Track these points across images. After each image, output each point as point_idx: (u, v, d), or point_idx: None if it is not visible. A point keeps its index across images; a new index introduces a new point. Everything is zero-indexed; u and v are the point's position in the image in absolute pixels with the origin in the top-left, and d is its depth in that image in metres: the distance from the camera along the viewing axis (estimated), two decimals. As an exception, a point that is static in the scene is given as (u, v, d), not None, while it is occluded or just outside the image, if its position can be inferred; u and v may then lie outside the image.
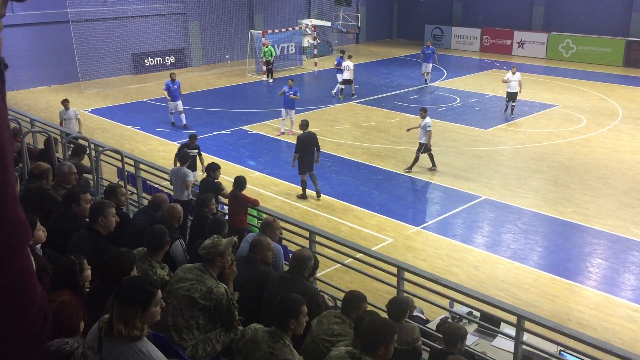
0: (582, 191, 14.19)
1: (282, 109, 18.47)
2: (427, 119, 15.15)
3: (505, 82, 20.30)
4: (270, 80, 26.45)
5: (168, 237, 5.47)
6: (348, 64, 22.88)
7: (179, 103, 19.01)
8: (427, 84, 25.26)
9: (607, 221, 12.56)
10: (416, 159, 15.38)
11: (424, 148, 15.26)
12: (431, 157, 15.49)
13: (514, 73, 20.11)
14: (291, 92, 18.02)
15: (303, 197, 13.93)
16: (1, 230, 1.03)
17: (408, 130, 16.68)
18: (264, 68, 27.12)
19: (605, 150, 17.00)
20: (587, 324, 9.04)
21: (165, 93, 18.94)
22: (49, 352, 2.16)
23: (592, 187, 14.45)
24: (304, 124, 13.97)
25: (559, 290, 10.07)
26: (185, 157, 10.22)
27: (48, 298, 2.80)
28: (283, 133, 18.55)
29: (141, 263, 5.14)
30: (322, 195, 13.86)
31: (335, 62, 23.92)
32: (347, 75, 22.99)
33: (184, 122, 19.27)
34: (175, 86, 18.77)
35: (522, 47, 32.48)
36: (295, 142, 13.73)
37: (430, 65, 24.94)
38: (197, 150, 13.35)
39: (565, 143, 17.73)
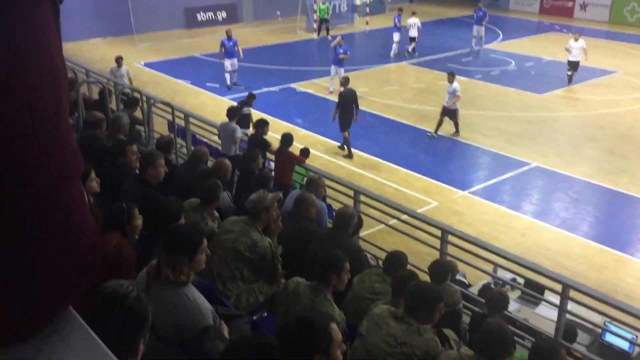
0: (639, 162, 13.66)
1: (332, 67, 18.23)
2: (455, 84, 14.76)
3: (567, 50, 19.16)
4: (329, 37, 25.41)
5: (221, 191, 5.59)
6: (415, 20, 22.81)
7: (234, 61, 18.66)
8: (477, 47, 24.19)
9: (664, 194, 12.10)
10: (440, 122, 15.05)
11: (452, 113, 14.94)
12: (456, 123, 15.08)
13: (576, 40, 19.01)
14: (341, 51, 17.76)
15: (349, 156, 13.90)
16: (55, 159, 1.06)
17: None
18: (315, 26, 26.76)
19: (667, 120, 16.25)
20: (636, 297, 8.80)
21: (220, 51, 18.55)
22: (104, 293, 2.24)
23: (650, 158, 13.89)
24: (346, 81, 14.07)
25: (607, 262, 9.83)
26: (233, 113, 10.28)
27: (101, 240, 2.90)
28: (332, 92, 18.40)
29: (193, 214, 5.27)
30: (365, 155, 13.79)
31: (396, 20, 23.28)
32: (413, 32, 22.92)
33: (235, 81, 18.91)
34: (232, 43, 18.38)
35: (585, 10, 31.02)
36: (339, 99, 13.89)
37: (483, 28, 23.88)
38: (251, 109, 13.28)
39: (625, 111, 17.01)
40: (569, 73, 19.33)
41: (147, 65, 22.10)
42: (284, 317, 4.11)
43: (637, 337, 5.69)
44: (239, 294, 4.65)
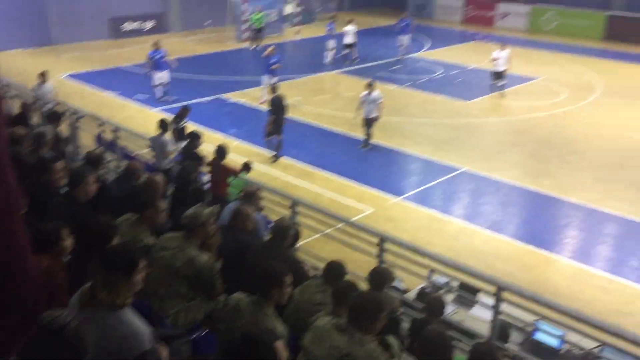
0: (560, 164, 14.35)
1: (264, 77, 18.16)
2: (376, 92, 14.78)
3: (494, 60, 19.34)
4: (259, 46, 25.49)
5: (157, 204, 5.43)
6: (351, 28, 23.40)
7: (165, 74, 17.95)
8: (404, 56, 24.74)
9: (584, 194, 12.75)
10: (370, 135, 15.01)
11: (370, 123, 14.83)
12: (370, 134, 14.99)
13: (502, 49, 19.29)
14: (273, 60, 17.76)
15: (275, 158, 14.17)
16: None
17: (355, 118, 15.54)
18: (243, 36, 26.61)
19: (584, 124, 17.17)
20: (563, 294, 9.22)
21: (149, 63, 17.92)
22: (43, 324, 2.12)
23: (570, 160, 14.62)
24: (275, 87, 14.43)
25: (535, 261, 10.25)
26: (164, 125, 10.07)
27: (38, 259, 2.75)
28: (265, 101, 18.30)
29: (129, 231, 5.10)
30: (300, 164, 13.84)
31: (327, 28, 23.78)
32: (349, 39, 23.48)
33: (168, 94, 18.22)
34: (159, 55, 17.72)
35: (505, 19, 32.42)
36: (269, 106, 14.13)
37: (407, 37, 24.42)
38: (185, 122, 13.00)
39: (546, 116, 17.85)
40: (498, 83, 19.51)
41: (71, 77, 21.33)
42: (225, 335, 4.04)
43: (566, 333, 5.94)
44: (177, 312, 4.54)
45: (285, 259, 4.97)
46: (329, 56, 23.86)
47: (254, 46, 25.94)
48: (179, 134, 11.65)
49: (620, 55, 26.23)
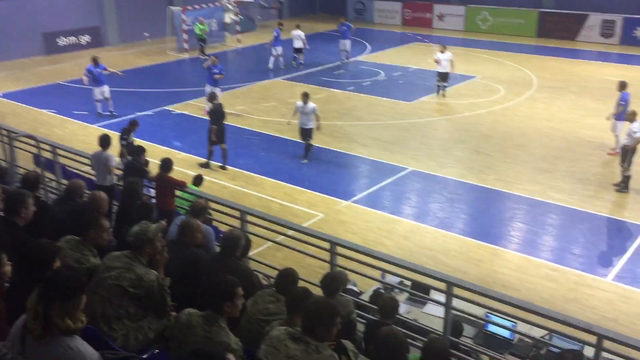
0: (503, 159, 14.77)
1: (207, 87, 17.98)
2: (311, 103, 14.43)
3: (436, 62, 19.84)
4: (204, 56, 25.19)
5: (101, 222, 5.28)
6: (299, 33, 24.07)
7: (105, 88, 17.69)
8: (346, 60, 25.06)
9: (526, 186, 13.16)
10: (309, 147, 14.69)
11: (308, 133, 14.52)
12: (309, 146, 14.68)
13: (442, 52, 19.74)
14: (216, 71, 17.60)
15: (206, 165, 14.20)
16: None
17: (289, 123, 15.42)
18: (185, 46, 26.31)
19: (522, 119, 17.74)
20: (511, 286, 9.48)
21: (85, 79, 17.57)
22: None
23: (511, 154, 15.06)
24: (212, 96, 14.78)
25: (483, 255, 10.50)
26: (106, 141, 9.80)
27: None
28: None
29: (72, 252, 4.94)
30: (248, 173, 13.77)
31: (275, 34, 24.11)
32: (298, 44, 24.16)
33: (111, 109, 17.95)
34: (99, 69, 17.40)
35: (442, 20, 33.18)
36: (210, 115, 14.29)
37: (348, 42, 24.76)
38: (133, 136, 12.70)
39: (486, 113, 18.35)
40: (439, 84, 20.00)
41: (4, 96, 20.56)
42: (178, 352, 3.96)
43: (517, 324, 6.09)
44: (127, 334, 4.41)
45: (236, 271, 4.91)
46: (271, 62, 23.93)
47: (204, 56, 25.56)
48: (129, 148, 11.42)
49: (553, 51, 27.24)
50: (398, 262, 6.67)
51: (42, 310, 3.17)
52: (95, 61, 17.48)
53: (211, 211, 9.42)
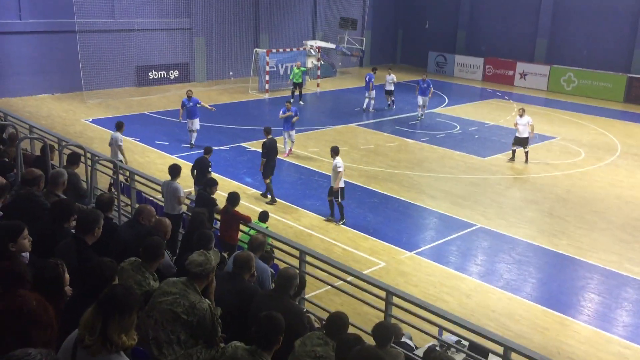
0: (578, 224, 14.14)
1: (283, 132, 18.39)
2: (337, 159, 13.40)
3: (515, 126, 18.77)
4: (301, 102, 26.14)
5: (164, 249, 5.45)
6: (392, 77, 25.72)
7: (196, 121, 18.57)
8: (421, 117, 24.13)
9: (602, 255, 12.50)
10: (335, 205, 13.62)
11: (336, 194, 13.49)
12: (340, 206, 13.56)
13: (521, 116, 18.66)
14: (292, 113, 18.00)
15: (272, 202, 14.50)
16: None
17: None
18: (267, 86, 27.13)
19: (603, 185, 17.00)
20: (577, 359, 8.93)
21: (180, 111, 18.62)
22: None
23: (587, 220, 14.41)
24: (268, 130, 14.86)
25: (549, 323, 9.98)
26: (175, 171, 10.15)
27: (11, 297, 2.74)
28: (289, 154, 18.40)
29: (134, 274, 5.10)
30: (314, 215, 13.85)
31: (366, 79, 25.26)
32: (390, 87, 25.41)
33: (193, 141, 18.69)
34: (192, 103, 18.34)
35: (524, 79, 32.69)
36: (262, 149, 14.67)
37: (427, 99, 23.89)
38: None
39: (563, 175, 17.73)
40: (514, 148, 18.87)
41: (94, 121, 21.82)
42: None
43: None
44: (176, 359, 4.46)
45: (287, 309, 4.90)
46: (365, 104, 25.43)
47: (301, 101, 26.25)
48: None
49: (640, 117, 26.19)
50: (457, 320, 6.46)
51: (99, 325, 3.27)
52: (188, 95, 18.47)
53: (274, 249, 9.56)
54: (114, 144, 14.25)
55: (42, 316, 2.94)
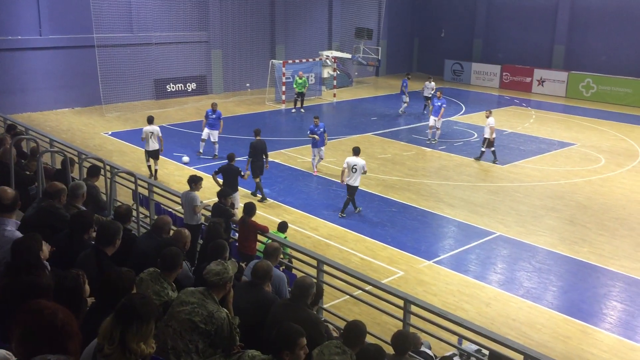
0: (599, 231, 13.96)
1: (312, 149, 17.93)
2: (362, 161, 14.51)
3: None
4: (302, 111, 26.62)
5: (182, 260, 5.49)
6: (432, 84, 26.32)
7: (215, 133, 19.02)
8: (433, 141, 21.82)
9: (624, 263, 12.32)
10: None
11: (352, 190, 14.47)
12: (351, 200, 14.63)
13: (487, 117, 19.35)
14: (319, 130, 17.35)
15: (263, 200, 15.02)
16: None
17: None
18: (283, 97, 27.33)
19: (624, 191, 16.78)
20: (600, 368, 8.80)
21: (204, 122, 19.12)
22: None
23: (608, 227, 14.22)
24: (257, 132, 15.50)
25: (571, 332, 9.84)
26: (193, 181, 10.24)
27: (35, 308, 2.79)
28: (317, 172, 17.96)
29: (153, 284, 5.14)
30: (332, 225, 13.86)
31: (403, 84, 26.50)
32: (427, 92, 25.98)
33: (216, 152, 19.18)
34: (215, 116, 18.89)
35: (542, 85, 32.45)
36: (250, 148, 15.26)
37: (440, 121, 21.61)
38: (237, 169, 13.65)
39: (583, 182, 17.53)
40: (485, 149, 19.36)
41: (114, 134, 22.09)
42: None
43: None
44: (194, 369, 4.49)
45: (304, 318, 4.90)
46: (403, 107, 26.59)
47: (302, 110, 26.69)
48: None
49: (662, 123, 25.81)
50: (477, 329, 6.40)
51: (118, 334, 3.30)
52: (213, 107, 19.08)
53: (292, 259, 9.58)
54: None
55: (71, 327, 2.98)
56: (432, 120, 21.71)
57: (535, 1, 33.70)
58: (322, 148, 17.80)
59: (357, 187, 14.54)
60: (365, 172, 14.62)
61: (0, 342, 3.50)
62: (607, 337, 9.75)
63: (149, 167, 17.29)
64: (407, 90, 26.52)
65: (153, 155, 17.04)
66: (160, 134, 17.02)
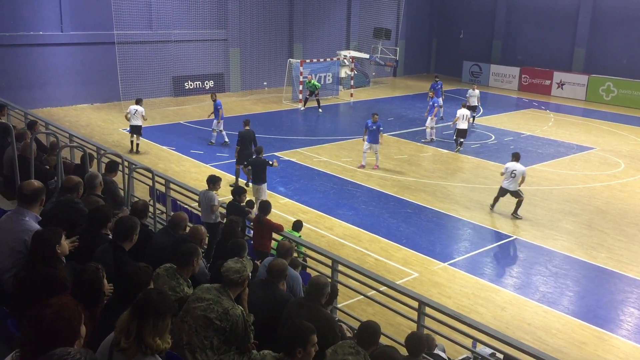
0: (617, 237, 13.79)
1: (366, 143, 18.21)
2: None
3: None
4: (320, 110, 26.61)
5: (198, 257, 5.53)
6: (477, 92, 24.34)
7: (215, 122, 20.13)
8: (429, 139, 21.96)
9: (643, 269, 12.16)
10: None
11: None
12: None
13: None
14: (374, 127, 17.85)
15: (234, 185, 14.89)
16: None
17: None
18: (301, 97, 27.37)
19: (643, 196, 16.56)
20: (617, 375, 8.69)
21: (221, 112, 19.93)
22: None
23: (627, 233, 14.04)
24: (246, 122, 16.13)
25: (587, 338, 9.74)
26: (212, 181, 10.25)
27: (47, 303, 2.82)
28: (363, 166, 18.24)
29: (169, 280, 5.18)
30: (347, 224, 13.87)
31: (437, 86, 25.30)
32: (473, 101, 24.14)
33: (225, 139, 20.21)
34: (218, 106, 19.87)
35: (562, 88, 32.14)
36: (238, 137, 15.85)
37: (434, 119, 21.99)
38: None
39: (602, 187, 17.33)
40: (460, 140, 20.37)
41: (132, 131, 22.22)
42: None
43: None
44: (209, 365, 4.51)
45: (318, 317, 4.90)
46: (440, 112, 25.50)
47: (305, 107, 26.86)
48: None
49: (683, 128, 25.43)
50: (492, 332, 6.37)
51: (134, 328, 3.33)
52: (212, 98, 20.20)
53: (307, 258, 9.59)
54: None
55: (73, 327, 2.99)
56: (429, 121, 22.07)
57: (555, 3, 33.36)
58: (377, 145, 18.14)
59: (518, 190, 14.69)
60: (524, 179, 14.70)
61: (18, 332, 3.55)
62: (623, 343, 9.63)
63: (132, 142, 19.10)
64: (442, 92, 25.71)
65: (136, 130, 18.89)
66: (144, 113, 18.89)
